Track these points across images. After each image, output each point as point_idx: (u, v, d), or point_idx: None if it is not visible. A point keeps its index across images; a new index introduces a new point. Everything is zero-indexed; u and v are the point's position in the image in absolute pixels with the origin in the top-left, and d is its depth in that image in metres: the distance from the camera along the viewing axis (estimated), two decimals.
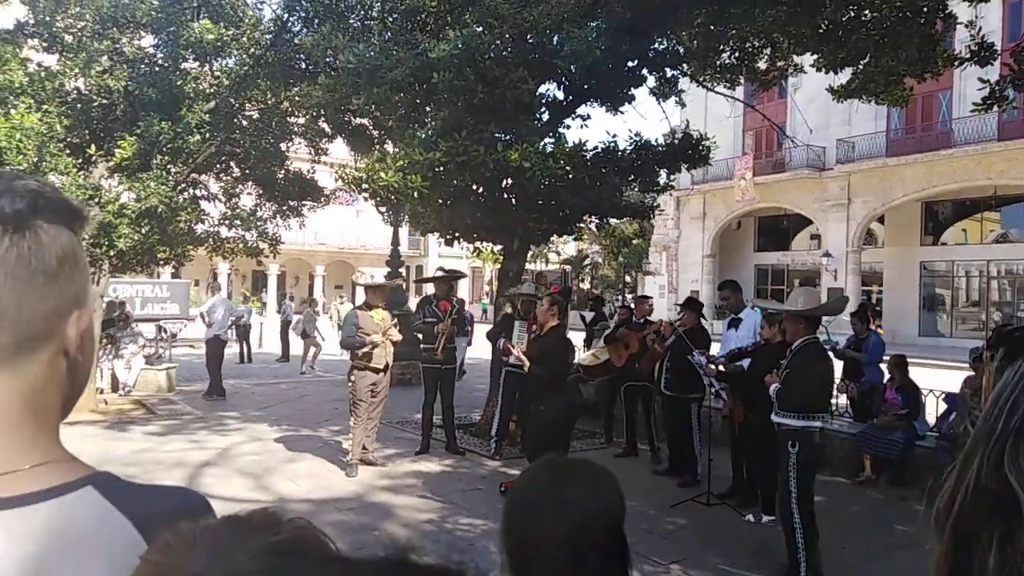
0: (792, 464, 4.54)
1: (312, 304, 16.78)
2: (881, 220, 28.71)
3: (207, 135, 9.68)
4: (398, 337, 6.99)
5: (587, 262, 47.10)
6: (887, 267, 28.73)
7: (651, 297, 8.69)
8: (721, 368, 6.11)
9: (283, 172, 15.08)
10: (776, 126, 18.71)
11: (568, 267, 40.50)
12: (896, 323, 26.41)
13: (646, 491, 6.32)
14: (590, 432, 9.01)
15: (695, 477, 6.70)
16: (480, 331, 8.37)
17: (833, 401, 6.93)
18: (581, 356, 8.48)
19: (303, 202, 15.65)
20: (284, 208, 15.36)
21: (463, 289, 44.08)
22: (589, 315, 12.04)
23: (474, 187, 8.05)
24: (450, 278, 8.14)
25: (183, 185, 11.11)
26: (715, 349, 6.88)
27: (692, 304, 7.07)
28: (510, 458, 7.44)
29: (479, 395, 11.35)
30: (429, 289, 8.73)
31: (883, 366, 8.07)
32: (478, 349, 10.78)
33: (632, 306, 8.64)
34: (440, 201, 7.96)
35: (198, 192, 14.12)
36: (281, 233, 16.23)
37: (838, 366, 6.81)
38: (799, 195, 28.51)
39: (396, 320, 7.11)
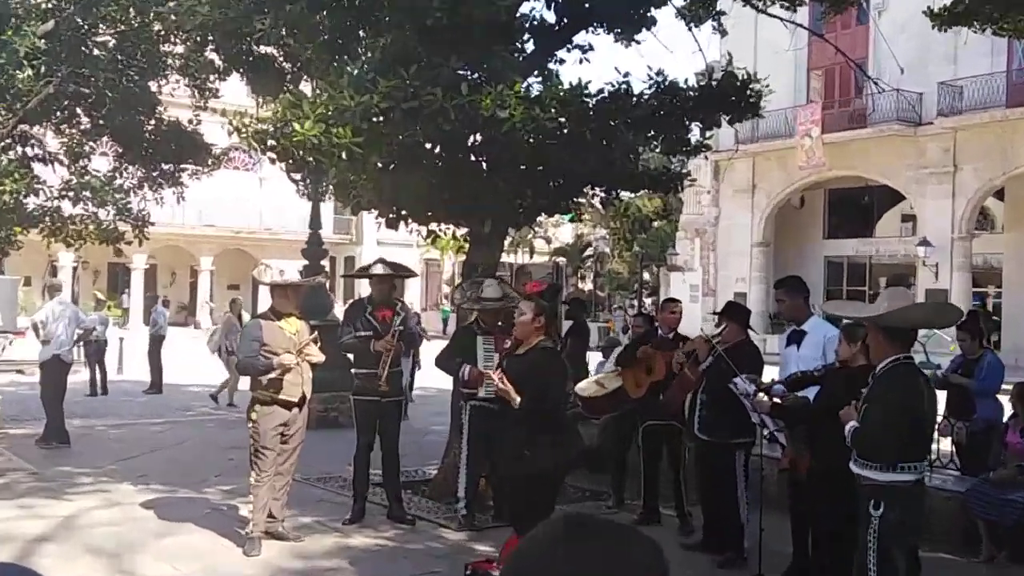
0: (874, 533, 4.60)
1: (236, 308, 16.75)
2: (999, 195, 29.17)
3: (42, 69, 9.59)
4: (320, 357, 6.98)
5: (589, 253, 47.40)
6: (1007, 261, 29.19)
7: (679, 301, 8.74)
8: (777, 400, 6.18)
9: (153, 123, 15.01)
10: (854, 64, 18.93)
11: (562, 260, 40.69)
12: (1020, 338, 26.83)
13: (672, 573, 6.36)
14: (592, 491, 9.04)
15: (740, 553, 6.76)
16: (437, 345, 8.37)
17: (933, 446, 7.02)
18: (580, 384, 8.52)
19: (182, 166, 15.62)
20: (155, 174, 15.32)
21: (413, 290, 44.10)
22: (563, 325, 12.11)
23: (428, 146, 8.03)
24: (394, 275, 8.11)
25: (6, 141, 10.99)
26: (770, 374, 6.95)
27: (736, 311, 7.13)
28: (481, 528, 7.42)
29: (435, 439, 11.34)
30: (363, 290, 8.73)
31: (1002, 397, 8.21)
32: (432, 374, 10.70)
33: (653, 314, 8.71)
34: (380, 165, 7.96)
35: (29, 151, 13.96)
36: (151, 210, 16.19)
37: (940, 397, 6.89)
38: (886, 160, 28.91)
39: (316, 334, 7.10)
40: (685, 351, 7.39)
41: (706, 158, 32.76)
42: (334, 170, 7.55)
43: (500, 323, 7.60)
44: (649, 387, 7.76)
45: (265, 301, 7.48)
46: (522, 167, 8.19)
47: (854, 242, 32.93)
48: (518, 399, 5.37)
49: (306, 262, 14.55)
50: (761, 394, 6.18)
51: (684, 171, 9.72)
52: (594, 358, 12.02)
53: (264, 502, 6.83)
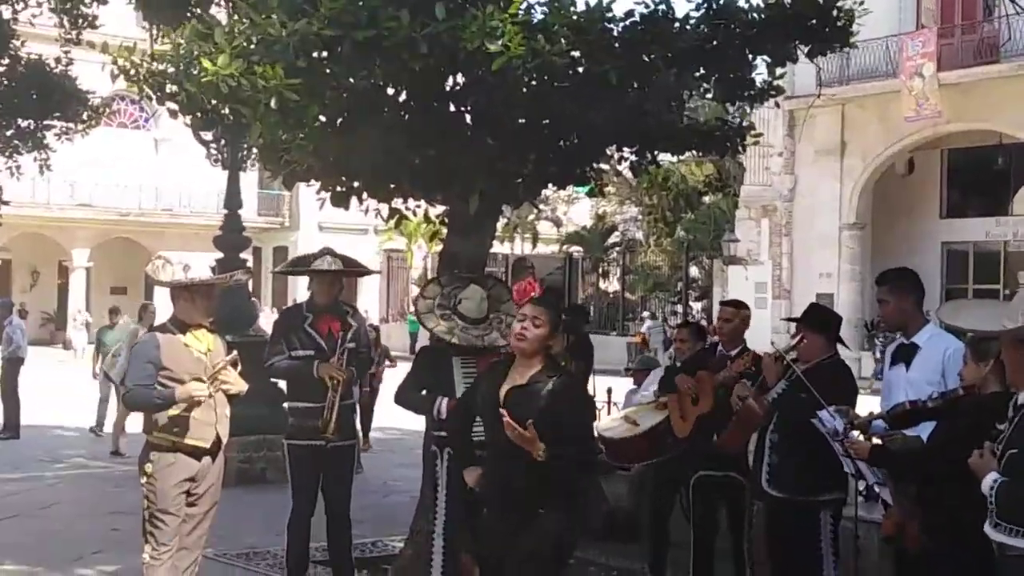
0: None
1: (148, 317, 16.89)
2: None
3: None
4: (240, 387, 6.98)
5: (615, 240, 47.37)
6: None
7: (740, 305, 8.73)
8: (879, 442, 6.19)
9: (6, 63, 15.01)
10: None
11: (577, 250, 40.74)
12: None
13: None
14: (620, 570, 9.08)
15: None
16: (400, 375, 8.38)
17: None
18: (602, 422, 8.54)
19: (46, 122, 15.58)
20: (9, 134, 15.30)
21: (369, 294, 44.13)
22: None
23: (390, 91, 8.05)
24: (345, 272, 8.13)
25: None
26: (867, 406, 6.96)
27: (820, 318, 7.16)
28: None
29: (401, 500, 11.34)
30: (300, 292, 8.76)
31: None
32: (393, 410, 10.65)
33: (704, 322, 8.77)
34: (323, 118, 7.97)
35: None
36: (3, 185, 16.13)
37: None
38: None
39: (236, 353, 7.12)
40: (735, 370, 7.44)
41: (776, 106, 32.60)
42: (259, 125, 7.53)
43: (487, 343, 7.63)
44: (696, 424, 7.80)
45: (163, 310, 7.48)
46: (520, 120, 8.20)
47: (983, 222, 32.94)
48: (542, 448, 5.35)
49: (220, 254, 14.56)
50: (856, 432, 6.19)
51: (746, 125, 9.72)
52: (618, 386, 12.05)
53: None
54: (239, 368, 6.99)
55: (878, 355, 27.71)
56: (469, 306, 7.72)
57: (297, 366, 7.60)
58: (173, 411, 6.70)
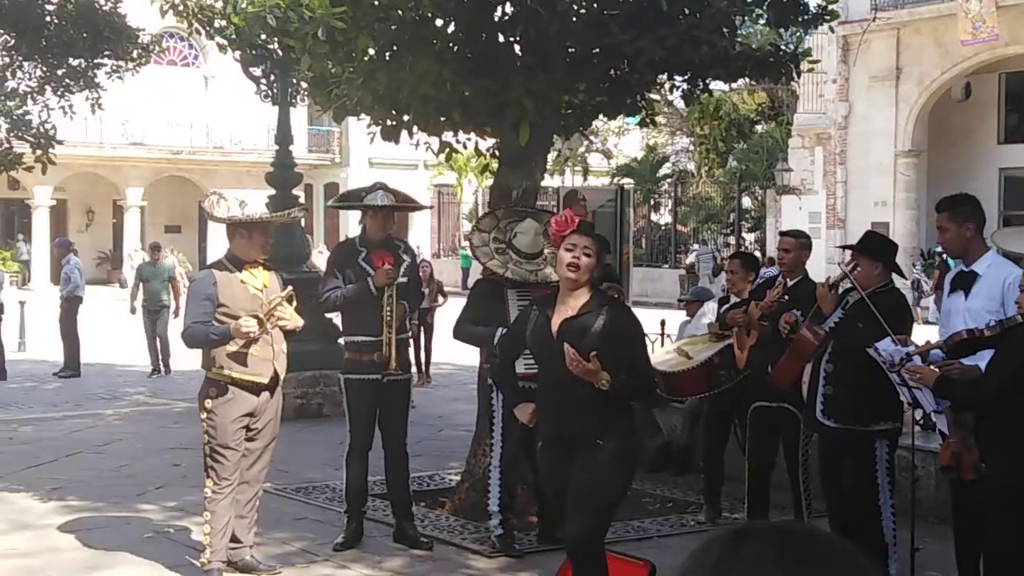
0: None
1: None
2: None
3: None
4: (297, 322, 7.04)
5: (667, 171, 47.09)
6: None
7: (800, 235, 8.64)
8: (937, 370, 6.13)
9: (56, 2, 15.04)
10: None
11: (628, 182, 40.50)
12: None
13: None
14: (676, 501, 9.12)
15: None
16: (456, 308, 8.38)
17: None
18: (656, 355, 8.52)
19: (97, 61, 15.62)
20: (60, 73, 15.36)
21: (420, 229, 44.22)
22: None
23: (439, 22, 8.01)
24: (398, 207, 8.10)
25: None
26: (924, 335, 6.89)
27: (876, 246, 7.07)
28: (522, 553, 7.50)
29: (456, 435, 11.40)
30: (351, 229, 8.77)
31: None
32: (448, 346, 10.64)
33: (756, 252, 8.71)
34: (371, 51, 7.93)
35: None
36: (56, 124, 16.22)
37: None
38: None
39: (292, 289, 7.15)
40: (768, 300, 7.41)
41: (831, 31, 32.18)
42: (307, 59, 7.51)
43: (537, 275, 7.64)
44: (749, 354, 7.81)
45: (217, 248, 7.50)
46: (570, 48, 8.12)
47: None
48: (607, 379, 5.33)
49: (272, 191, 14.59)
50: (917, 358, 6.12)
51: (800, 51, 9.56)
52: (672, 318, 12.01)
53: (225, 522, 6.90)
54: (295, 304, 7.03)
55: (916, 278, 27.65)
56: (524, 240, 7.71)
57: (351, 290, 7.61)
58: (231, 347, 6.77)
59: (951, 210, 6.85)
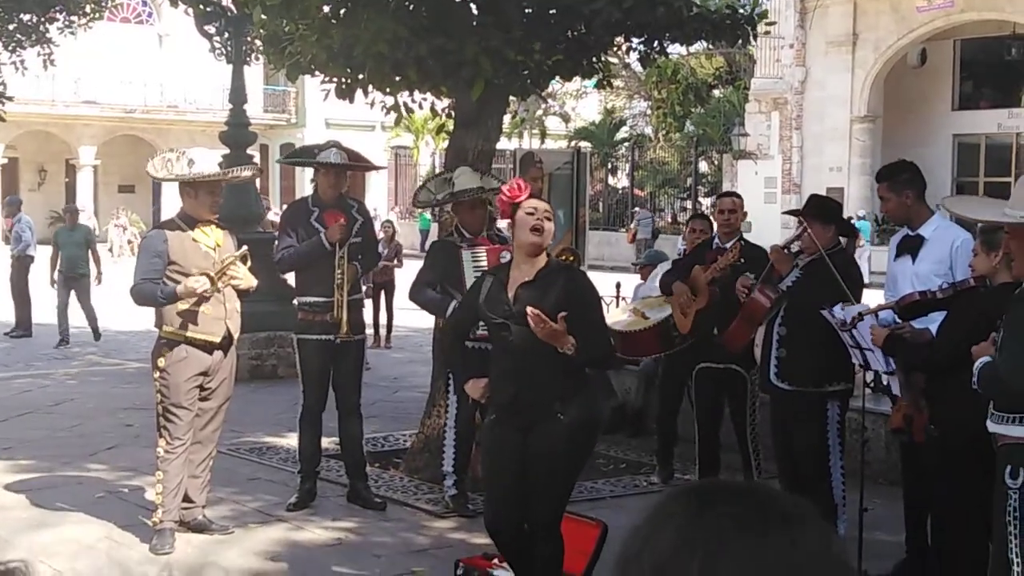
0: (1015, 512, 4.67)
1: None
2: None
3: None
4: (250, 281, 7.01)
5: (624, 135, 47.14)
6: None
7: (734, 195, 8.68)
8: (887, 330, 6.17)
9: None
10: None
11: (585, 145, 40.45)
12: None
13: None
14: (629, 462, 9.19)
15: None
16: (413, 271, 8.38)
17: None
18: (612, 315, 8.55)
19: (49, 15, 15.41)
20: (11, 28, 15.14)
21: (377, 190, 44.01)
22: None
23: None
24: (351, 166, 8.11)
25: None
26: (872, 299, 6.94)
27: (823, 208, 7.06)
28: (475, 513, 7.47)
29: (411, 396, 11.42)
30: (306, 189, 8.72)
31: None
32: (405, 308, 10.69)
33: (712, 214, 8.75)
34: (326, 8, 7.87)
35: None
36: (6, 81, 16.00)
37: None
38: None
39: (246, 248, 7.11)
40: (721, 264, 7.46)
41: None
42: (258, 12, 7.42)
43: (486, 228, 7.67)
44: (695, 318, 7.83)
45: (171, 207, 7.43)
46: (526, 8, 8.09)
47: (995, 114, 32.73)
48: (571, 341, 5.26)
49: (227, 150, 14.47)
50: (869, 318, 6.15)
51: (757, 13, 9.56)
52: (628, 282, 12.04)
53: (177, 482, 6.90)
54: (248, 263, 7.00)
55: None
56: (464, 180, 7.77)
57: (304, 246, 7.60)
58: (183, 305, 6.74)
59: (890, 179, 6.89)
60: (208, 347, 6.88)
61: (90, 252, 16.42)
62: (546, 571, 5.58)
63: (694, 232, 8.85)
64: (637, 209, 39.60)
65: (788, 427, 7.02)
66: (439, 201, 8.18)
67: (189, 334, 6.83)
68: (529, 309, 5.19)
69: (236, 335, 7.08)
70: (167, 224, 7.15)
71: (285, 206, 10.01)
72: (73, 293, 16.13)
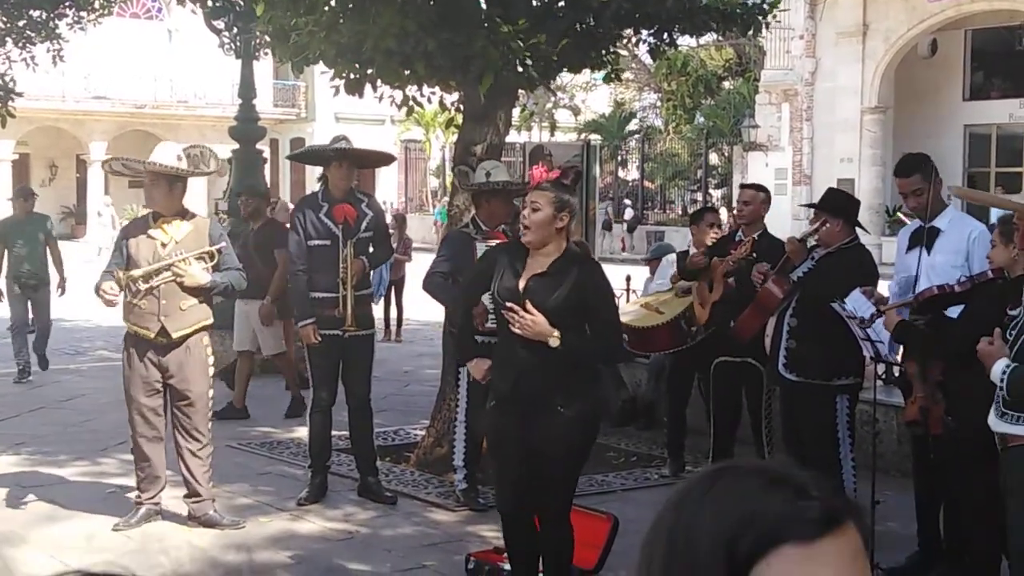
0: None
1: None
2: None
3: None
4: (195, 280, 6.93)
5: (634, 128, 47.07)
6: None
7: (758, 188, 8.61)
8: (900, 321, 6.10)
9: None
10: None
11: (595, 138, 40.42)
12: None
13: None
14: (640, 455, 9.17)
15: None
16: (422, 265, 8.35)
17: None
18: (624, 309, 8.53)
19: (59, 11, 15.43)
20: (21, 24, 15.15)
21: (387, 185, 43.99)
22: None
23: None
24: (358, 154, 8.09)
25: None
26: (882, 289, 6.91)
27: (838, 202, 7.06)
28: (486, 507, 7.46)
29: (422, 389, 11.40)
30: (313, 180, 8.68)
31: None
32: (417, 302, 10.66)
33: (725, 209, 8.69)
34: (334, 3, 7.84)
35: None
36: (16, 77, 16.01)
37: None
38: None
39: (224, 245, 7.14)
40: (735, 257, 7.45)
41: None
42: (262, 7, 7.39)
43: (507, 224, 7.62)
44: (711, 310, 7.85)
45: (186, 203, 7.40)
46: (534, 1, 8.06)
47: (1007, 104, 32.52)
48: (556, 335, 5.23)
49: (236, 144, 14.47)
50: (877, 316, 6.11)
51: (767, 4, 9.50)
52: (638, 275, 12.01)
53: (148, 474, 7.09)
54: (215, 260, 7.06)
55: None
56: (500, 174, 7.83)
57: (296, 297, 7.95)
58: (129, 298, 6.94)
59: (923, 170, 6.73)
60: (146, 341, 6.98)
61: (48, 250, 12.77)
62: (555, 561, 5.55)
63: (699, 231, 8.69)
64: (627, 201, 40.00)
65: (798, 419, 7.01)
66: (492, 185, 7.78)
67: (129, 326, 7.06)
68: (508, 305, 5.21)
69: (181, 332, 6.99)
70: (139, 219, 7.35)
71: (288, 202, 9.98)
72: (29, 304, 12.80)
